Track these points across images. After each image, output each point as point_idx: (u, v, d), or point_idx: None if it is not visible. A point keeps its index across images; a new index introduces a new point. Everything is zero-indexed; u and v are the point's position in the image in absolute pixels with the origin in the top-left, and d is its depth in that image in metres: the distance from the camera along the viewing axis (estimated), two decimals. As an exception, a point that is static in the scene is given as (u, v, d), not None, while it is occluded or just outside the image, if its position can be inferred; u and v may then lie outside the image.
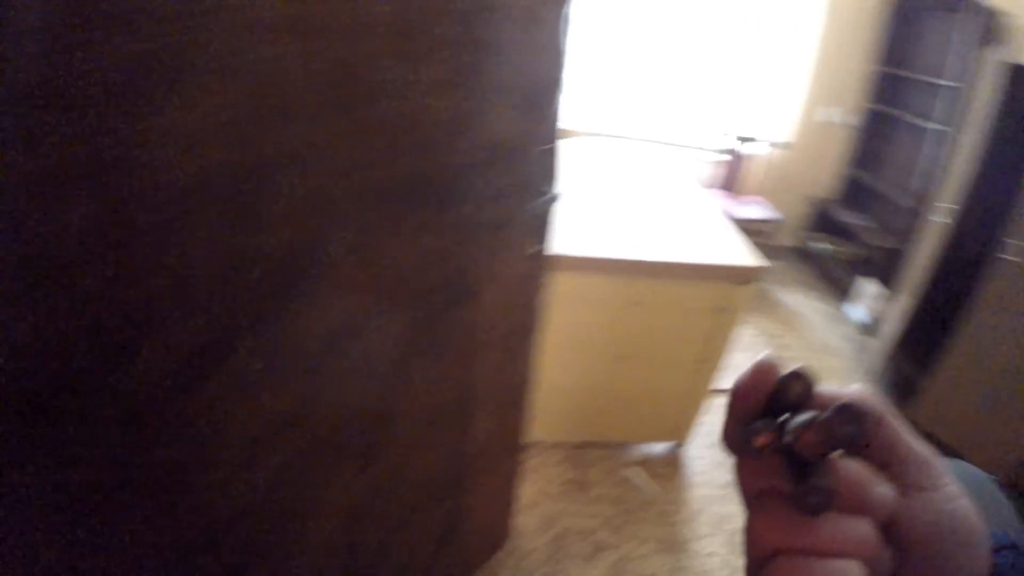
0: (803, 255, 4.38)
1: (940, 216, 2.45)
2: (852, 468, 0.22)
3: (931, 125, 3.33)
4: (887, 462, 0.23)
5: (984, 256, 2.16)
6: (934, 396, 2.33)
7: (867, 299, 3.52)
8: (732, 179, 3.83)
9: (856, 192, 4.22)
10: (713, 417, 2.04)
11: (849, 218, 4.02)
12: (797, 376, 0.23)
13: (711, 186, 3.87)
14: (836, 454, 0.22)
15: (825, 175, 4.30)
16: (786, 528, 0.21)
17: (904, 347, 2.67)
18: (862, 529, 0.21)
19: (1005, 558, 0.22)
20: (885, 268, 3.51)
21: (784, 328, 3.39)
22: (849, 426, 0.20)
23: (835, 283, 4.01)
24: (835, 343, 3.32)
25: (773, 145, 4.02)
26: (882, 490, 0.22)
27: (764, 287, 3.79)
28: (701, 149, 3.87)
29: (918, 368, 2.53)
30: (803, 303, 3.77)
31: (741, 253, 1.75)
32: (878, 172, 4.09)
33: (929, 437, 2.21)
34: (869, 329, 3.43)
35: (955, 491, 0.22)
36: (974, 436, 2.18)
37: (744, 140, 3.73)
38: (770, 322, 3.40)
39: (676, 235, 1.83)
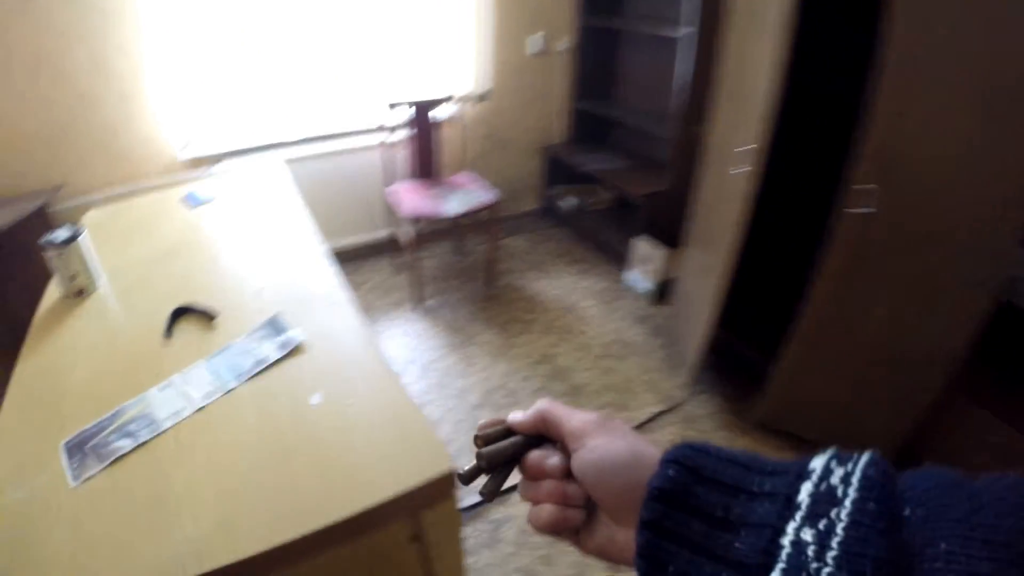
0: (549, 216, 3.53)
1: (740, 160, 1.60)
2: (532, 456, 0.39)
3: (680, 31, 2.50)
4: (559, 438, 0.38)
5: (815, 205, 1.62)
6: (781, 385, 1.85)
7: (647, 262, 2.68)
8: (425, 160, 2.95)
9: (594, 129, 3.37)
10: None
11: (591, 161, 3.17)
12: (483, 434, 0.41)
13: (403, 177, 2.98)
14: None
15: (552, 117, 3.44)
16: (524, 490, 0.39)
17: (728, 328, 2.05)
18: (546, 486, 0.37)
19: (669, 468, 0.30)
20: (654, 218, 2.70)
21: (560, 334, 2.58)
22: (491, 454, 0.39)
23: (601, 248, 3.17)
24: (630, 335, 2.56)
25: (467, 100, 3.15)
26: (553, 460, 0.38)
27: (516, 280, 2.92)
28: (367, 131, 2.99)
29: (753, 349, 2.10)
30: (573, 287, 2.92)
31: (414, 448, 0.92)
32: (621, 100, 3.25)
33: (785, 435, 1.93)
34: (658, 296, 2.72)
35: (595, 444, 0.35)
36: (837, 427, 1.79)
37: (421, 105, 2.81)
38: (541, 333, 2.56)
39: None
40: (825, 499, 0.25)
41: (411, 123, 2.83)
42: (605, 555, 0.35)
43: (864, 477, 0.25)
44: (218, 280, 1.36)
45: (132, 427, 1.04)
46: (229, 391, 1.08)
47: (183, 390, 1.09)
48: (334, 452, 0.91)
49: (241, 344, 1.16)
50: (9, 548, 0.76)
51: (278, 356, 1.13)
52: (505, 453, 0.39)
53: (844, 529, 0.23)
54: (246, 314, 1.23)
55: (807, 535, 0.24)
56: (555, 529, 0.36)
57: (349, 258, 3.17)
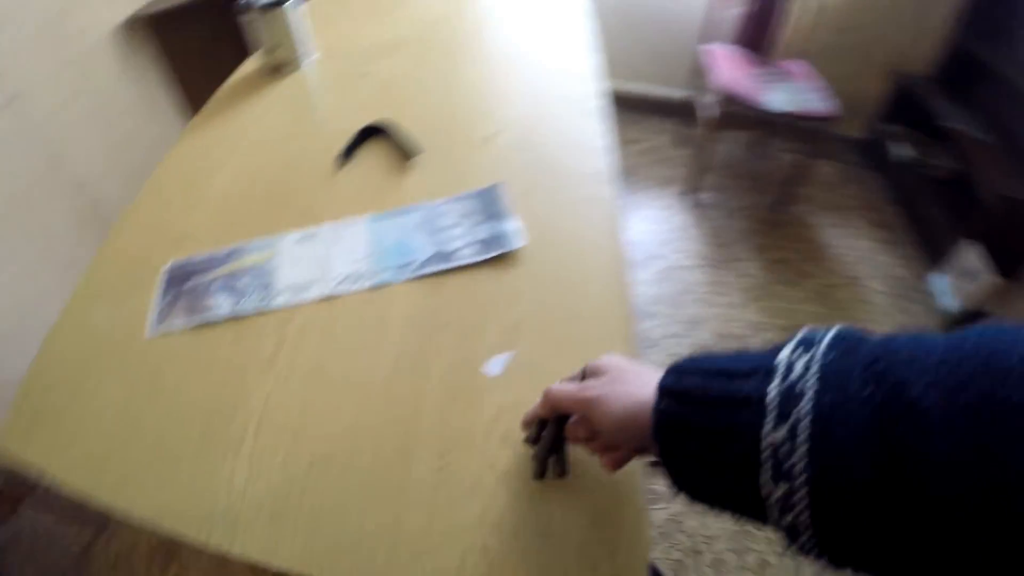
0: (871, 156, 2.46)
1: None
2: (569, 431, 0.44)
3: None
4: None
5: None
6: None
7: (966, 277, 1.77)
8: (759, 30, 2.11)
9: (968, 74, 2.16)
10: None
11: (952, 114, 2.05)
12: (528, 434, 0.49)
13: (726, 39, 2.20)
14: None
15: (919, 39, 2.26)
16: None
17: None
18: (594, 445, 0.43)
19: (661, 401, 0.33)
20: (1002, 229, 1.75)
21: (832, 308, 1.90)
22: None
23: (918, 224, 2.15)
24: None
25: None
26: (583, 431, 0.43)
27: (809, 215, 2.16)
28: None
29: None
30: (867, 256, 2.07)
31: None
32: (1010, 49, 1.99)
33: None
34: (958, 321, 1.83)
35: (598, 415, 0.39)
36: None
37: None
38: (811, 296, 1.91)
39: None
40: (788, 397, 0.26)
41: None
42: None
43: (823, 365, 0.26)
44: (441, 103, 0.88)
45: (242, 281, 0.65)
46: (379, 284, 0.62)
47: (324, 253, 0.66)
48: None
49: (429, 212, 0.68)
50: (71, 386, 0.60)
51: (474, 258, 0.63)
52: (550, 440, 0.45)
53: (809, 424, 0.24)
54: (457, 167, 0.74)
55: (779, 435, 0.25)
56: (619, 466, 0.42)
57: (630, 107, 2.56)
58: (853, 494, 0.23)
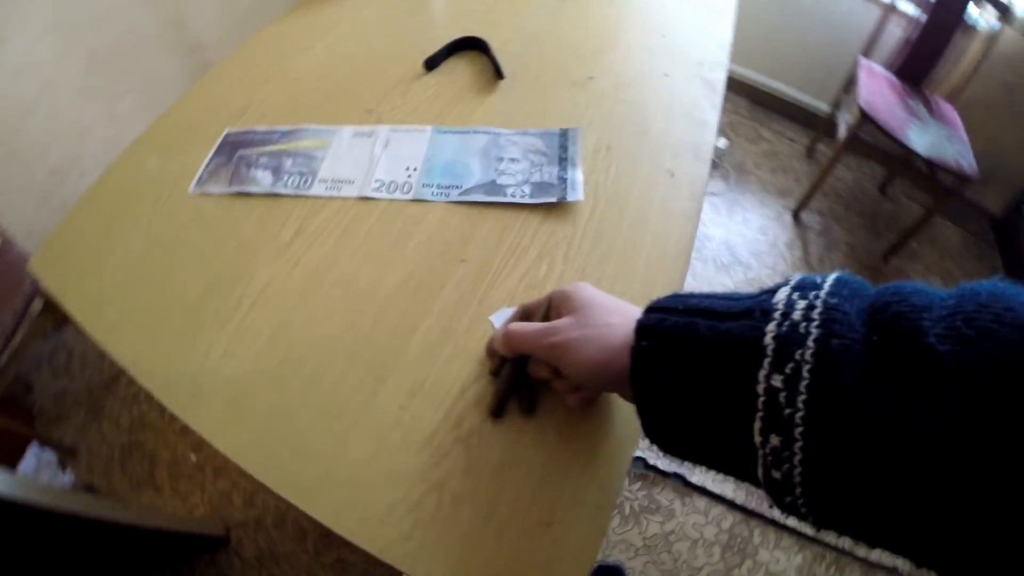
0: (1002, 235, 2.09)
1: None
2: (533, 372, 0.41)
3: None
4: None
5: None
6: None
7: None
8: (922, 60, 1.80)
9: None
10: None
11: None
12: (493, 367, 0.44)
13: (885, 60, 1.92)
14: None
15: None
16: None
17: None
18: (559, 384, 0.40)
19: (642, 338, 0.29)
20: None
21: None
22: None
23: None
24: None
25: (1016, 23, 1.74)
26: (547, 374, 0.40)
27: (905, 266, 1.88)
28: None
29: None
30: None
31: None
32: None
33: None
34: None
35: (570, 363, 0.35)
36: None
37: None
38: None
39: None
40: (789, 340, 0.23)
41: (932, 4, 1.70)
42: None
43: (826, 308, 0.23)
44: (545, 32, 0.79)
45: (287, 162, 0.62)
46: (417, 199, 0.56)
47: (375, 154, 0.62)
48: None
49: (495, 140, 0.62)
50: (105, 224, 0.60)
51: (524, 199, 0.55)
52: (509, 378, 0.41)
53: (809, 371, 0.22)
54: (540, 103, 0.66)
55: (776, 381, 0.23)
56: (588, 404, 0.40)
57: (766, 104, 2.34)
58: (853, 449, 0.21)
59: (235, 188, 0.61)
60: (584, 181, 0.56)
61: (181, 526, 1.10)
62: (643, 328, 0.29)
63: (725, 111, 2.29)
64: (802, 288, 0.25)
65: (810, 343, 0.22)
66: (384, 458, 0.42)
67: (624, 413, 0.42)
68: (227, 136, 0.68)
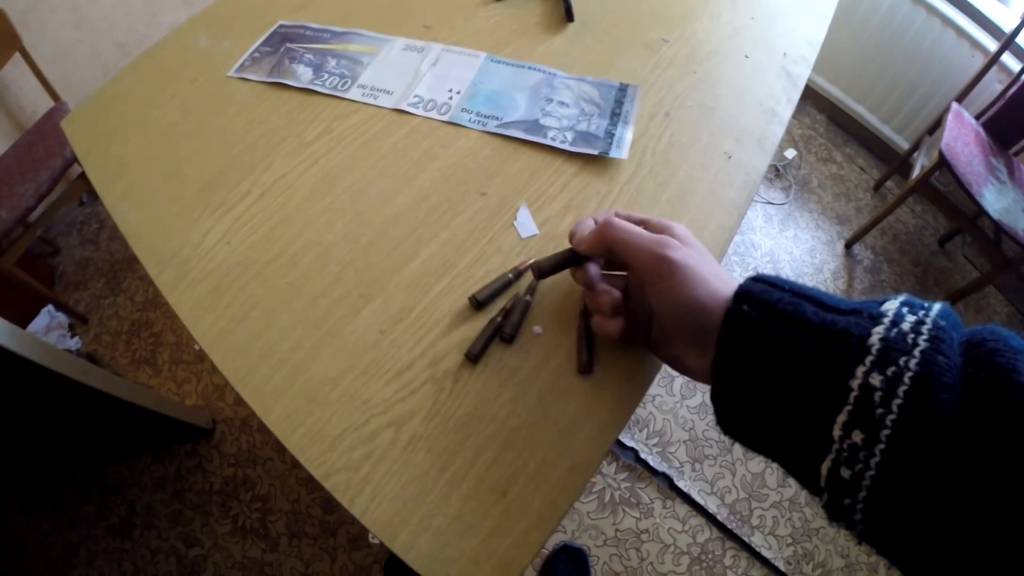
0: None
1: None
2: (591, 272, 0.37)
3: None
4: (626, 263, 0.34)
5: None
6: None
7: None
8: (1014, 122, 1.64)
9: None
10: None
11: None
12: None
13: (978, 113, 1.75)
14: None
15: None
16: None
17: None
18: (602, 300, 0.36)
19: (743, 303, 0.28)
20: None
21: None
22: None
23: None
24: None
25: None
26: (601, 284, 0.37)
27: None
28: (991, 27, 1.68)
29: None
30: None
31: None
32: None
33: None
34: None
35: (662, 288, 0.31)
36: None
37: None
38: None
39: None
40: (895, 346, 0.23)
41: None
42: (674, 366, 0.35)
43: (935, 327, 0.23)
44: None
45: (333, 62, 0.59)
46: (452, 122, 0.52)
47: (420, 69, 0.57)
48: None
49: (549, 80, 0.57)
50: (143, 94, 0.60)
51: (563, 145, 0.51)
52: (554, 261, 0.37)
53: (911, 379, 0.22)
54: (607, 54, 0.61)
55: (875, 380, 0.22)
56: (619, 336, 0.36)
57: (845, 128, 2.19)
58: (935, 464, 0.21)
59: (274, 78, 0.59)
60: (632, 143, 0.51)
61: (170, 411, 1.12)
62: (746, 293, 0.28)
63: (801, 124, 2.16)
64: (911, 304, 0.25)
65: (916, 353, 0.22)
66: (350, 380, 0.39)
67: (615, 397, 0.39)
68: (279, 27, 0.65)
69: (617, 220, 0.34)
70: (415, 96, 0.55)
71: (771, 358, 0.26)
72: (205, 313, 0.44)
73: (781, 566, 1.17)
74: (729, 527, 1.21)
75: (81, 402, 0.95)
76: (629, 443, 1.29)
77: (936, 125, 1.77)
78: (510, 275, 0.42)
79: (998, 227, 1.45)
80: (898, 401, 0.22)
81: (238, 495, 1.19)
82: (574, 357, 0.40)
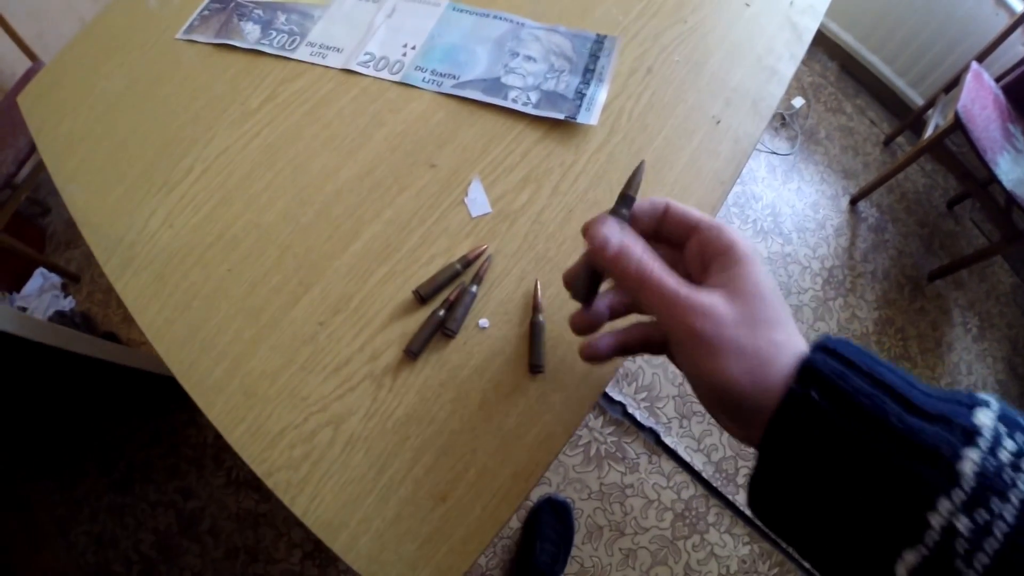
0: None
1: None
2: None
3: None
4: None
5: None
6: None
7: None
8: None
9: None
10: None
11: None
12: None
13: (1000, 76, 1.59)
14: None
15: None
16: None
17: None
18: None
19: (833, 361, 0.23)
20: None
21: None
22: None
23: None
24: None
25: None
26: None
27: (956, 303, 1.72)
28: None
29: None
30: (976, 374, 1.72)
31: None
32: None
33: None
34: None
35: (726, 311, 0.25)
36: None
37: None
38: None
39: None
40: (990, 484, 0.19)
41: None
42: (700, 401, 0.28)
43: None
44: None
45: (283, 17, 0.54)
46: (404, 82, 0.48)
47: (375, 22, 0.52)
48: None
49: (516, 31, 0.51)
50: (92, 65, 0.57)
51: (526, 108, 0.46)
52: (589, 285, 0.30)
53: (1005, 536, 0.18)
54: (589, 3, 0.53)
55: (962, 525, 0.19)
56: (601, 360, 0.31)
57: (857, 79, 2.04)
58: None
59: (221, 39, 0.55)
60: (606, 105, 0.46)
61: (161, 368, 1.14)
62: (815, 374, 0.22)
63: (811, 71, 2.00)
64: (1008, 422, 0.21)
65: (1014, 499, 0.19)
66: (289, 376, 0.37)
67: (564, 401, 0.36)
68: (228, -23, 0.59)
69: (635, 252, 0.26)
70: (366, 54, 0.50)
71: (837, 459, 0.22)
72: (150, 302, 0.42)
73: (765, 528, 1.17)
74: (714, 484, 1.21)
75: (72, 368, 0.97)
76: (617, 397, 1.28)
77: (954, 83, 1.62)
78: (458, 265, 0.39)
79: (1010, 197, 1.35)
80: (984, 561, 0.18)
81: (229, 448, 1.23)
82: (523, 354, 0.37)
